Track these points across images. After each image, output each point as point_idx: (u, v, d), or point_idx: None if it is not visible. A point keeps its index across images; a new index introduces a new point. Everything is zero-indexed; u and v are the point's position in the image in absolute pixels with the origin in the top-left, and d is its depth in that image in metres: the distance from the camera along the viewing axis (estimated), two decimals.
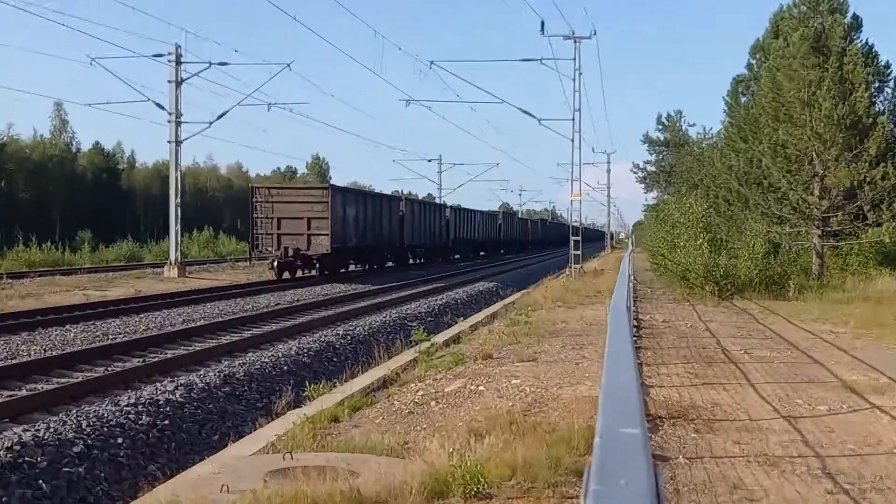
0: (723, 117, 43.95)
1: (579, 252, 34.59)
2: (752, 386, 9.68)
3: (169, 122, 35.66)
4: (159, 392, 11.19)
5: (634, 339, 13.28)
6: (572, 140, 33.47)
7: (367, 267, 39.81)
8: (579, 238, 34.45)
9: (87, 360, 13.64)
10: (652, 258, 34.80)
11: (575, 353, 12.16)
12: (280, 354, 14.88)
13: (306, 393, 10.41)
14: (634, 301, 20.39)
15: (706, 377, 10.26)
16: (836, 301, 20.94)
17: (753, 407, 8.50)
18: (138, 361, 13.88)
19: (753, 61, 36.09)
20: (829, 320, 16.99)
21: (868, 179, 25.49)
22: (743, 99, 37.03)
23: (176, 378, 12.40)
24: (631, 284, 17.88)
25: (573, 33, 32.77)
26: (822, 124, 24.65)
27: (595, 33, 34.41)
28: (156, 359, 14.10)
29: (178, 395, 11.20)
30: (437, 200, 72.65)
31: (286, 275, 33.00)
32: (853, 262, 28.02)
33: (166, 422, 10.34)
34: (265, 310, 21.91)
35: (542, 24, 31.41)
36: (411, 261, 47.96)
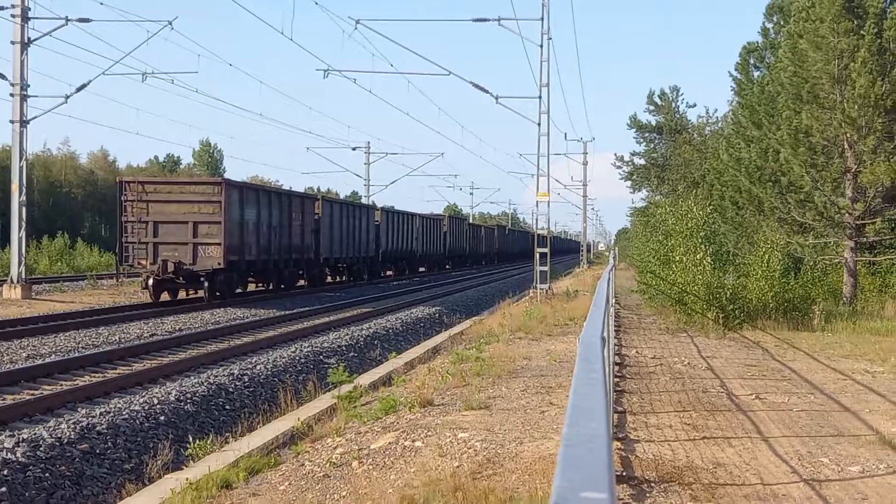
0: (730, 96, 44.71)
1: (547, 268, 34.67)
2: (764, 440, 9.81)
3: (12, 95, 35.13)
4: None
5: (616, 379, 13.42)
6: (539, 124, 33.69)
7: (271, 287, 39.65)
8: (547, 250, 34.54)
9: None
10: (640, 276, 35.12)
11: (540, 398, 12.20)
12: (155, 400, 14.70)
13: (189, 451, 10.30)
14: (617, 332, 20.57)
15: (707, 429, 10.37)
16: (873, 332, 21.33)
17: (767, 468, 8.61)
18: None
19: (769, 25, 36.70)
20: (864, 356, 17.28)
21: None
22: (756, 73, 37.63)
23: (17, 431, 12.16)
24: (612, 308, 18.02)
25: None
26: (856, 106, 24.83)
27: None
28: None
29: (19, 454, 10.99)
30: (365, 200, 72.68)
31: (165, 296, 32.73)
32: (894, 282, 28.48)
33: (2, 489, 10.15)
34: (137, 342, 21.71)
35: None
36: (330, 279, 47.89)
